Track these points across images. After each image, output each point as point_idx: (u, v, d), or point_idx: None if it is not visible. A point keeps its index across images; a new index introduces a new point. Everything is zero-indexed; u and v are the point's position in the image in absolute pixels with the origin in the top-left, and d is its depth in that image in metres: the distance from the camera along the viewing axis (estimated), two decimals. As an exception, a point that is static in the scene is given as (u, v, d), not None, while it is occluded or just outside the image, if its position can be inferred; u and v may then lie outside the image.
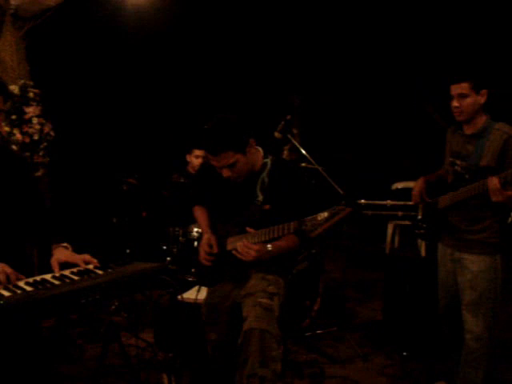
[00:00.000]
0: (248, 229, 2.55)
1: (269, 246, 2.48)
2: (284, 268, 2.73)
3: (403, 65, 6.54)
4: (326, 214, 2.29)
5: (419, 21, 6.21)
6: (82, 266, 2.14)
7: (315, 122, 5.80)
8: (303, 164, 4.20)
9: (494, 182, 2.47)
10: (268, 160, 2.69)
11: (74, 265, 2.16)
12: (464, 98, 2.65)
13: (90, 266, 2.16)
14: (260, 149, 2.71)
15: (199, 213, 2.95)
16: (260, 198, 2.61)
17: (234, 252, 2.54)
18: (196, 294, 3.01)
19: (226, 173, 2.56)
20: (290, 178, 2.66)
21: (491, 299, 2.70)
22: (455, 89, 2.68)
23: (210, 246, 2.76)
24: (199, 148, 4.50)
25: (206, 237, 2.80)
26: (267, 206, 2.58)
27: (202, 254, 2.78)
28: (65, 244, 2.27)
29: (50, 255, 2.21)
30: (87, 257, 2.20)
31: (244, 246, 2.47)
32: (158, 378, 3.26)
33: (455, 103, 2.69)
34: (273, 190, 2.61)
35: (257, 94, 6.81)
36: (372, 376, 3.46)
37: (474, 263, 2.71)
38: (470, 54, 5.54)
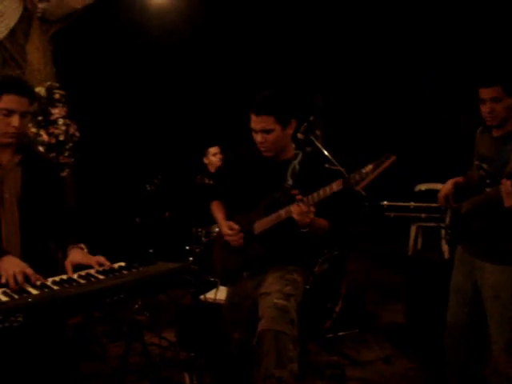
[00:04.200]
0: (293, 192, 2.46)
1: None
2: (306, 264, 2.73)
3: (431, 67, 6.48)
4: (371, 166, 2.25)
5: (447, 25, 6.15)
6: (107, 265, 2.17)
7: (339, 123, 5.77)
8: (326, 165, 4.18)
9: (506, 185, 2.32)
10: (300, 152, 2.73)
11: (88, 266, 2.18)
12: (497, 102, 2.52)
13: (115, 266, 2.19)
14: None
15: (216, 207, 2.92)
16: (290, 182, 2.63)
17: (293, 216, 2.43)
18: (215, 293, 3.00)
19: (259, 138, 2.58)
20: (320, 166, 2.80)
21: None
22: (488, 93, 2.54)
23: (231, 229, 2.71)
24: (213, 146, 4.73)
25: (224, 224, 2.76)
26: (296, 191, 2.53)
27: (231, 238, 2.69)
28: (81, 245, 2.30)
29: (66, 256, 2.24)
30: (101, 259, 2.22)
31: (301, 210, 2.40)
32: (179, 378, 3.28)
33: (488, 108, 2.55)
34: (303, 176, 2.61)
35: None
36: (394, 379, 3.44)
37: (496, 273, 2.59)
38: (495, 56, 5.45)
